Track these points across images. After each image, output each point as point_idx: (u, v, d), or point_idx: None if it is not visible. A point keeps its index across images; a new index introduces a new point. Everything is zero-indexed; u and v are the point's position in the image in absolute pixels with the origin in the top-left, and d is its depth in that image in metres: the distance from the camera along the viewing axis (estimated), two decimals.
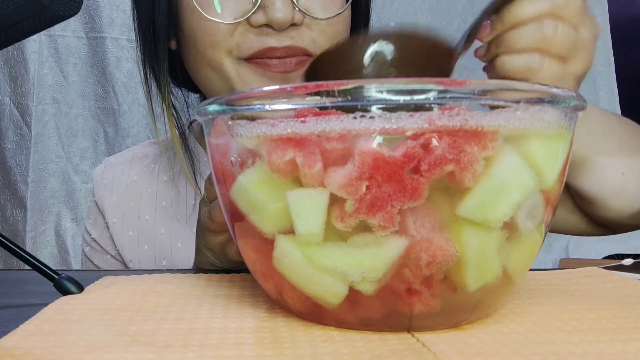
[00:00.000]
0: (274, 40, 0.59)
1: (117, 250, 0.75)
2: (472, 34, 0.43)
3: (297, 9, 0.59)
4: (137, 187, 0.76)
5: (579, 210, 0.63)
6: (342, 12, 0.62)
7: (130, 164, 0.79)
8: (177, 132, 0.70)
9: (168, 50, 0.66)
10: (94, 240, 0.76)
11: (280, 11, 0.57)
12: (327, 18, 0.61)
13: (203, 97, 0.76)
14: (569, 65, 0.43)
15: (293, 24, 0.58)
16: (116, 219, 0.75)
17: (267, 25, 0.58)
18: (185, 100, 0.75)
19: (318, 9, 0.61)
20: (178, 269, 0.56)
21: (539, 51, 0.41)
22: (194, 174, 0.72)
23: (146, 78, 0.68)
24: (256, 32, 0.59)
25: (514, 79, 0.42)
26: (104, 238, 0.76)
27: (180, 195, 0.74)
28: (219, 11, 0.59)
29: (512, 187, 0.30)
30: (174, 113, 0.70)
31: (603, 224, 0.63)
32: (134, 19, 0.68)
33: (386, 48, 0.40)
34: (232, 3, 0.60)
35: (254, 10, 0.58)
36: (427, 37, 0.43)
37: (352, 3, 0.65)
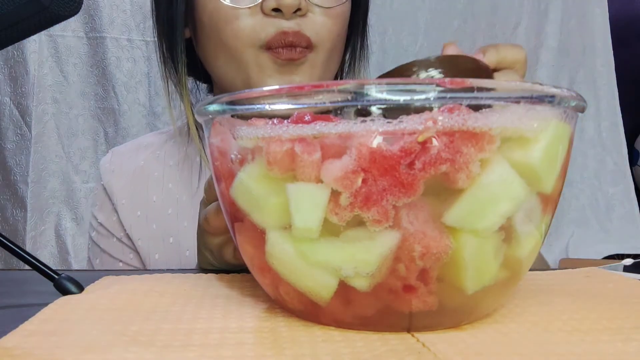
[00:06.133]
0: (284, 26, 0.66)
1: (125, 232, 0.77)
2: None
3: None
4: (145, 171, 0.80)
5: None
6: (344, 2, 0.70)
7: (137, 151, 0.83)
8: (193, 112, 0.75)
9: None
10: (101, 225, 0.79)
11: None
12: (329, 7, 0.69)
13: (211, 87, 0.81)
14: None
15: (299, 9, 0.66)
16: (125, 200, 0.78)
17: (276, 10, 0.66)
18: (196, 85, 0.82)
19: (321, 0, 0.69)
20: (179, 269, 0.56)
21: None
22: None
23: (164, 61, 0.74)
24: (269, 18, 0.67)
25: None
26: (111, 221, 0.78)
27: (185, 178, 0.78)
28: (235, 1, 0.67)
29: (501, 197, 0.29)
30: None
31: None
32: (151, 2, 0.74)
33: (435, 74, 0.44)
34: None
35: None
36: (466, 58, 0.46)
37: (352, 2, 0.72)
